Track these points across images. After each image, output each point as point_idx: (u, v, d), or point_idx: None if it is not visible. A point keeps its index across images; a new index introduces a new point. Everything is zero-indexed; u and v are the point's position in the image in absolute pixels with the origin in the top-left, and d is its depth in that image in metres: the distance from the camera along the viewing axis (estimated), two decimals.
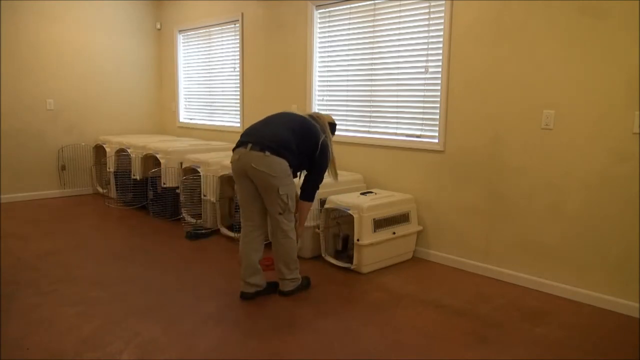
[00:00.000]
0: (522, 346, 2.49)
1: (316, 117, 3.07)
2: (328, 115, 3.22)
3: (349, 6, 4.21)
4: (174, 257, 3.76)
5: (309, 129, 2.93)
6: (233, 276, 3.37)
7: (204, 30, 5.88)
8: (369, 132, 4.19)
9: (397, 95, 3.94)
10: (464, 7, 3.45)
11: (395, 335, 2.58)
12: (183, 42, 6.29)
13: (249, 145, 2.81)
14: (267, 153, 2.76)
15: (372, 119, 4.15)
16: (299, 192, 3.04)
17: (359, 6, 4.13)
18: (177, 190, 4.75)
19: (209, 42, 5.85)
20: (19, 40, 5.43)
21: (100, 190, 5.99)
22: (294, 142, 2.85)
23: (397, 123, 3.97)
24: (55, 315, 2.72)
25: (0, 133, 5.41)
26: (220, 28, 5.64)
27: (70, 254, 3.77)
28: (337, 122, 4.44)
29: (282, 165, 2.79)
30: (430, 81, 3.72)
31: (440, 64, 3.63)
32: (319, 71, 4.57)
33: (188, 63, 6.25)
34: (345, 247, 3.75)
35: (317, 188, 3.04)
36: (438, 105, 3.68)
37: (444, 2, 3.56)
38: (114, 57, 6.20)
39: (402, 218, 3.67)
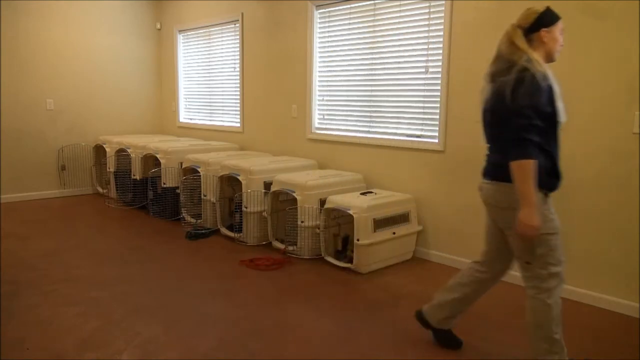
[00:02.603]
0: (521, 346, 2.49)
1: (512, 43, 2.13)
2: (527, 10, 2.13)
3: (349, 6, 4.21)
4: (174, 257, 3.76)
5: (499, 103, 2.03)
6: (233, 276, 3.38)
7: (204, 30, 5.88)
8: (369, 132, 4.19)
9: (397, 95, 3.93)
10: (464, 7, 3.45)
11: (395, 335, 2.58)
12: (183, 42, 6.29)
13: None
14: (487, 180, 2.11)
15: (372, 119, 4.15)
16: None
17: (359, 6, 4.13)
18: (177, 190, 4.75)
19: (209, 42, 5.85)
20: (19, 40, 5.43)
21: (100, 190, 5.99)
22: (500, 142, 2.04)
23: (397, 123, 3.97)
24: (55, 315, 2.72)
25: (0, 133, 5.41)
26: (220, 28, 5.64)
27: (70, 254, 3.77)
28: (338, 121, 4.46)
29: (502, 191, 2.02)
30: (430, 81, 3.72)
31: (440, 64, 3.63)
32: (319, 71, 4.57)
33: (188, 63, 6.25)
34: (345, 247, 3.75)
35: (520, 137, 1.90)
36: (438, 105, 3.68)
37: (443, 2, 3.55)
38: (113, 57, 6.20)
39: (402, 218, 3.67)
